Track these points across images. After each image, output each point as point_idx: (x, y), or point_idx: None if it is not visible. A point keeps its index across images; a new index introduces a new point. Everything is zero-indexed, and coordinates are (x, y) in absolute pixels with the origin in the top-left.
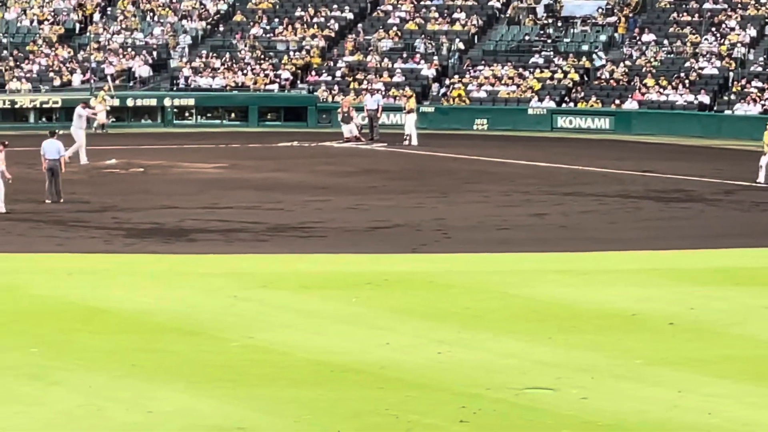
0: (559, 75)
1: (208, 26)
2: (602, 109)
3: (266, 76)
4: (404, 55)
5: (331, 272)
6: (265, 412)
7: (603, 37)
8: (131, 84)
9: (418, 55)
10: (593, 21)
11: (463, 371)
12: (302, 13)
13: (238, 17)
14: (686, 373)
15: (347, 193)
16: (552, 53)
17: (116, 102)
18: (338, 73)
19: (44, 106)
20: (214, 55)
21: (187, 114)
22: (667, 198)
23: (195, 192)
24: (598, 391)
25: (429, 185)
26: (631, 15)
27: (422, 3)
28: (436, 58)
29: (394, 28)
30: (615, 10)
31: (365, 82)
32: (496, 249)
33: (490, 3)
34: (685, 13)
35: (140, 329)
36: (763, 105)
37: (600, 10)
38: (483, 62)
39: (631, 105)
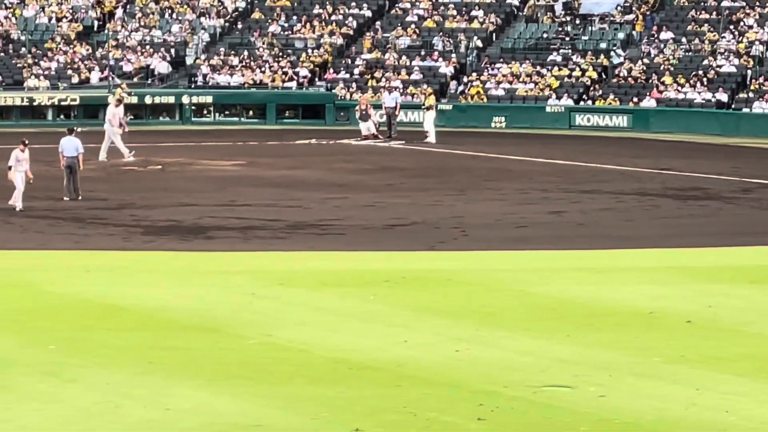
0: (577, 73)
1: (227, 24)
2: (620, 107)
3: (284, 73)
4: (422, 53)
5: (349, 270)
6: (283, 409)
7: (621, 35)
8: (149, 81)
9: (436, 53)
10: (611, 19)
11: (481, 369)
12: (320, 11)
13: (256, 15)
14: (704, 371)
15: (365, 191)
16: (570, 51)
17: (134, 99)
18: (356, 71)
19: (62, 103)
20: (233, 52)
21: (205, 111)
22: (684, 196)
23: (213, 189)
24: (615, 389)
25: (447, 183)
26: (649, 13)
27: (440, 0)
28: (454, 55)
29: (413, 26)
30: (633, 8)
31: (383, 79)
32: (514, 247)
33: (508, 1)
34: (703, 11)
35: (158, 326)
36: None
37: (618, 8)
38: (501, 60)
39: (649, 103)
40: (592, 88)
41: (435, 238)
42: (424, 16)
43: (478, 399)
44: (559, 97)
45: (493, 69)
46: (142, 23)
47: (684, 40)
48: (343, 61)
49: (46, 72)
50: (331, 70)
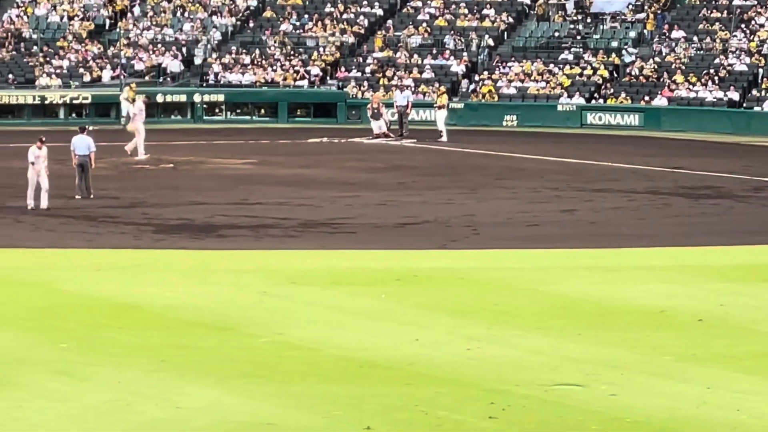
0: (588, 71)
1: (238, 22)
2: (631, 106)
3: (296, 72)
4: (434, 52)
5: (361, 268)
6: (295, 408)
7: (632, 34)
8: (161, 80)
9: (447, 52)
10: (623, 17)
11: (493, 367)
12: (332, 9)
13: (267, 13)
14: (715, 370)
15: (377, 189)
16: (581, 50)
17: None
18: (368, 70)
19: (74, 101)
20: (244, 51)
21: (216, 110)
22: (696, 194)
23: (224, 188)
24: (627, 388)
25: (458, 181)
26: (660, 11)
27: None
28: (465, 54)
29: (424, 24)
30: (645, 7)
31: (395, 78)
32: (526, 245)
33: None
34: (714, 10)
35: (169, 325)
36: None
37: (630, 7)
38: (512, 58)
39: (660, 101)
40: (603, 87)
41: (446, 237)
42: (436, 14)
43: (490, 397)
44: (570, 96)
45: (504, 67)
46: (154, 22)
47: (695, 38)
48: (355, 60)
49: (58, 70)
50: (343, 69)
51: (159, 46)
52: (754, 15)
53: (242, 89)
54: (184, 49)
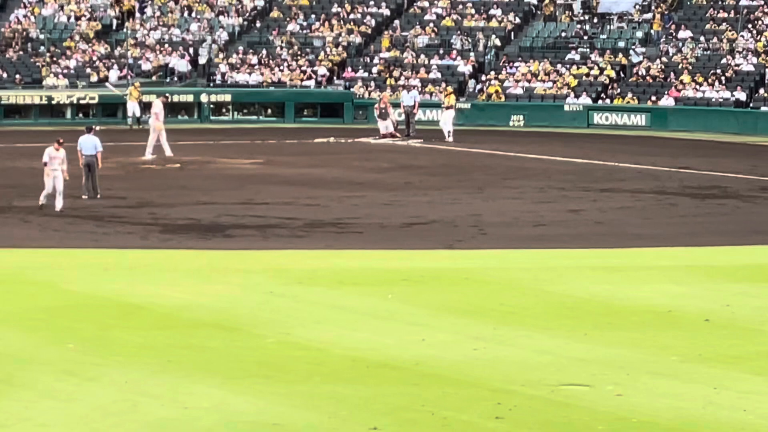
0: (595, 71)
1: (245, 22)
2: (638, 106)
3: (303, 72)
4: (441, 52)
5: (367, 268)
6: (301, 408)
7: (639, 34)
8: (168, 80)
9: (454, 52)
10: (629, 17)
11: (499, 368)
12: (339, 10)
13: (274, 13)
14: (722, 370)
15: (383, 189)
16: (588, 50)
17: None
18: (375, 70)
19: (81, 102)
20: (251, 51)
21: (223, 110)
22: (702, 194)
23: (231, 188)
24: (633, 388)
25: (465, 181)
26: (667, 11)
27: None
28: (472, 54)
29: (431, 25)
30: (652, 7)
31: (402, 78)
32: (532, 245)
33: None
34: (721, 10)
35: (176, 325)
36: None
37: (636, 7)
38: (519, 58)
39: (667, 102)
40: (610, 87)
41: (453, 237)
42: (443, 14)
43: (496, 398)
44: (577, 96)
45: (511, 68)
46: (161, 22)
47: (702, 38)
48: (362, 60)
49: (65, 71)
50: (350, 69)
51: (166, 46)
52: (761, 15)
53: (249, 89)
54: (191, 49)
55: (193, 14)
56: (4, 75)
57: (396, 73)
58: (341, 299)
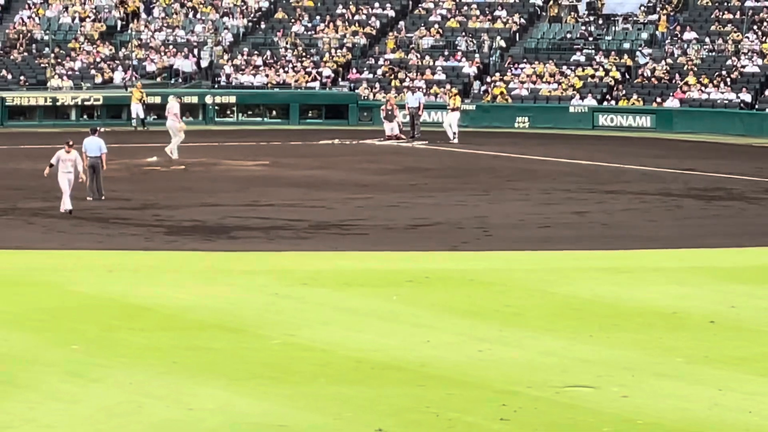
0: (600, 73)
1: (250, 24)
2: (643, 108)
3: (307, 73)
4: (445, 53)
5: (372, 270)
6: (306, 409)
7: (644, 35)
8: (173, 81)
9: (459, 53)
10: (635, 19)
11: (504, 369)
12: (343, 11)
13: (279, 14)
14: (727, 372)
15: (388, 191)
16: (593, 51)
17: (157, 99)
18: (379, 71)
19: (86, 103)
20: (256, 52)
21: (228, 111)
22: (707, 196)
23: (236, 189)
24: (638, 390)
25: (470, 183)
26: (672, 13)
27: (464, 0)
28: (477, 55)
29: (436, 26)
30: (657, 8)
31: (406, 79)
32: (537, 247)
33: (531, 1)
34: (726, 11)
35: (181, 326)
36: None
37: (642, 8)
38: (524, 60)
39: (672, 103)
40: (615, 89)
41: (458, 239)
42: (448, 16)
43: (501, 399)
44: (582, 98)
45: (516, 69)
46: (166, 23)
47: (707, 40)
48: (367, 61)
49: (70, 72)
50: (354, 70)
51: (170, 47)
52: (766, 16)
53: (254, 91)
54: (196, 51)
55: (198, 15)
56: (9, 76)
57: (401, 75)
58: (346, 300)
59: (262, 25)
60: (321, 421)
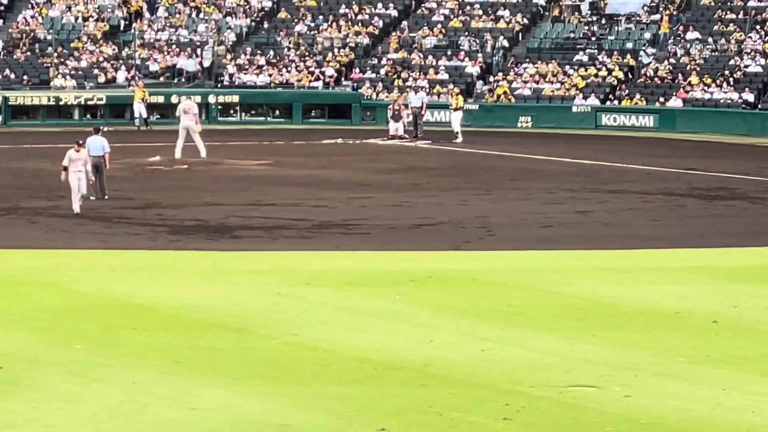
0: (603, 73)
1: (253, 23)
2: (646, 107)
3: (310, 73)
4: (448, 53)
5: (375, 269)
6: (309, 409)
7: (647, 35)
8: (176, 81)
9: (462, 53)
10: (637, 18)
11: (507, 369)
12: (346, 10)
13: (282, 14)
14: (730, 371)
15: (391, 190)
16: (596, 51)
17: (161, 99)
18: (382, 71)
19: (89, 102)
20: (259, 52)
21: (231, 111)
22: (710, 196)
23: (239, 189)
24: (641, 389)
25: (473, 182)
26: (675, 13)
27: (467, 0)
28: (480, 55)
29: (439, 26)
30: (660, 8)
31: (409, 79)
32: (540, 246)
33: (534, 0)
34: (729, 11)
35: (184, 326)
36: None
37: (644, 8)
38: (527, 60)
39: (675, 103)
40: (618, 88)
41: (461, 238)
42: (450, 15)
43: (504, 399)
44: (585, 97)
45: (519, 69)
46: (169, 23)
47: (710, 40)
48: (370, 61)
49: (73, 71)
50: (357, 70)
51: (174, 47)
52: None
53: (257, 90)
54: (198, 50)
55: (201, 15)
56: (12, 76)
57: (404, 75)
58: (349, 300)
59: (265, 25)
60: (323, 421)
